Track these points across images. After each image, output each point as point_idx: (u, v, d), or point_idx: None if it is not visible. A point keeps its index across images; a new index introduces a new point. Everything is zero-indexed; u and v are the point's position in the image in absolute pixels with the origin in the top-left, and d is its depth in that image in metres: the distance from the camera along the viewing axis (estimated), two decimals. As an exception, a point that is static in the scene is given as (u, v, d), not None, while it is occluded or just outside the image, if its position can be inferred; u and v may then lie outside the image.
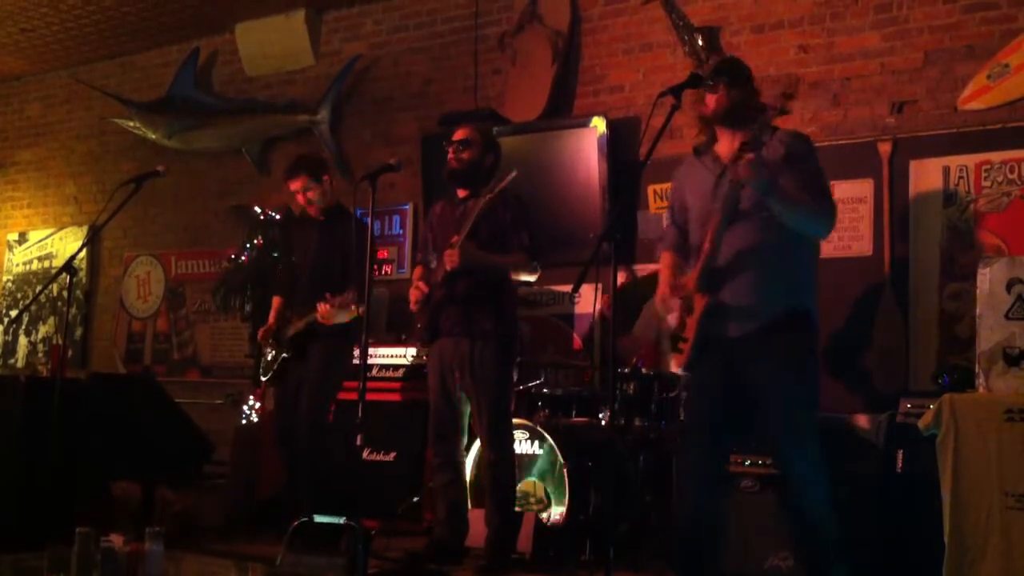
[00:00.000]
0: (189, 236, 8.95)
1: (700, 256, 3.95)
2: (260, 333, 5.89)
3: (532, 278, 5.18)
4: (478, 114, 7.00)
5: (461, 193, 5.18)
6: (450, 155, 5.17)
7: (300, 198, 5.77)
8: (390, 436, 6.21)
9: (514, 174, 4.89)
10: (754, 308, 3.90)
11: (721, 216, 3.88)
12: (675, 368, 4.37)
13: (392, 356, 6.47)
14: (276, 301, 5.91)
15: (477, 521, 5.08)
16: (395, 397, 6.35)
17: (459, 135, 5.19)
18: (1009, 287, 4.15)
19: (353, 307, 5.40)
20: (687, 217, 4.18)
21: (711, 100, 4.06)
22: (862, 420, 5.38)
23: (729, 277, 3.92)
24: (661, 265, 4.30)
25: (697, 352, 3.96)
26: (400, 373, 6.42)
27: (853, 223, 5.76)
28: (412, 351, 6.38)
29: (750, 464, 4.77)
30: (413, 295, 5.16)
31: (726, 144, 4.04)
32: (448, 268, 4.93)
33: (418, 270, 5.31)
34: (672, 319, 4.07)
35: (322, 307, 5.40)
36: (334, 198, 5.84)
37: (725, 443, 4.13)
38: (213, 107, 8.66)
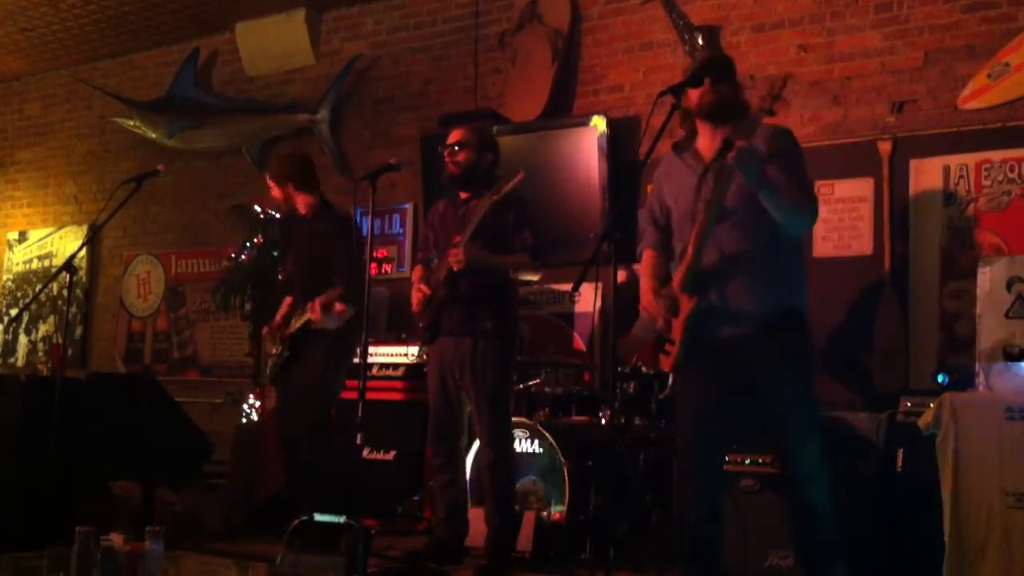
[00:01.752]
0: (189, 235, 8.95)
1: (685, 256, 3.90)
2: (265, 330, 5.88)
3: (535, 277, 5.17)
4: (478, 114, 7.00)
5: (463, 194, 5.18)
6: (446, 159, 5.15)
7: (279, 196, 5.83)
8: (390, 435, 6.21)
9: (520, 177, 4.87)
10: (746, 310, 3.86)
11: (706, 215, 3.84)
12: (665, 370, 4.34)
13: (392, 355, 6.47)
14: (287, 300, 5.89)
15: (477, 520, 5.08)
16: (395, 396, 6.35)
17: (453, 138, 5.17)
18: (1009, 286, 4.16)
19: (339, 307, 5.43)
20: (668, 217, 4.13)
21: (694, 95, 3.99)
22: (862, 419, 5.37)
23: (717, 278, 3.87)
24: (643, 267, 4.22)
25: (685, 354, 3.92)
26: (400, 372, 6.41)
27: (853, 222, 5.76)
28: (412, 350, 6.37)
29: (749, 463, 4.76)
30: (415, 297, 5.15)
31: (707, 141, 3.97)
32: (454, 268, 4.92)
33: (418, 270, 5.29)
34: (658, 322, 4.03)
35: (312, 313, 5.48)
36: (320, 196, 5.85)
37: (722, 444, 4.12)
38: (213, 107, 8.67)
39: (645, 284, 4.14)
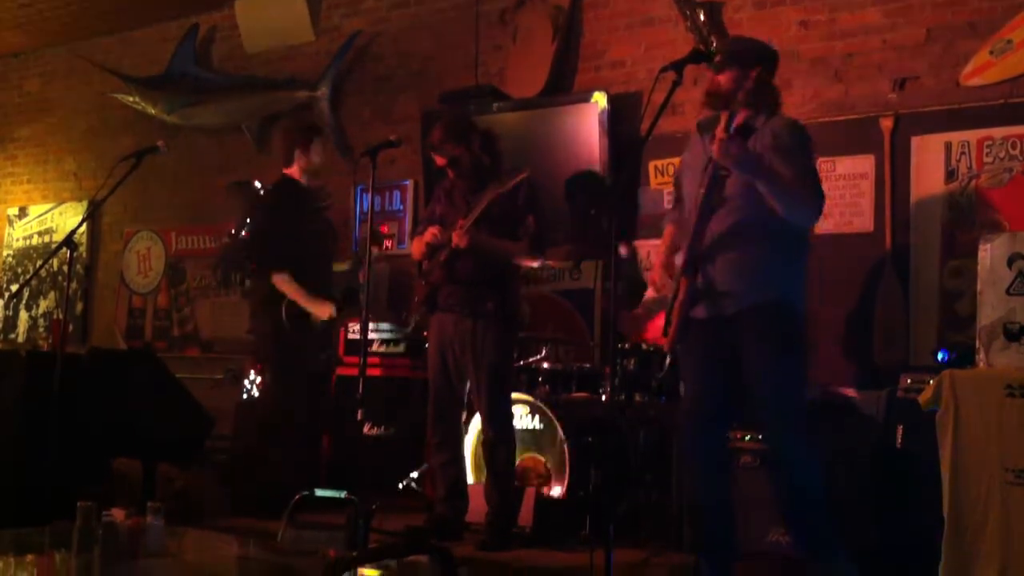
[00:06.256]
0: (189, 212, 8.94)
1: (687, 239, 3.95)
2: None
3: (534, 264, 5.19)
4: (478, 90, 6.98)
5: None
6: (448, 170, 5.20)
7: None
8: (390, 412, 6.22)
9: (524, 175, 4.89)
10: (728, 294, 3.89)
11: (702, 201, 3.88)
12: (665, 348, 4.37)
13: (392, 332, 6.47)
14: None
15: (477, 497, 5.09)
16: (396, 373, 6.36)
17: (438, 160, 5.21)
18: (1010, 263, 4.14)
19: None
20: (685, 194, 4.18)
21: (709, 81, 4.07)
22: (862, 396, 5.38)
23: (708, 262, 3.92)
24: (662, 241, 4.30)
25: (680, 335, 3.97)
26: (401, 349, 6.42)
27: (854, 199, 5.76)
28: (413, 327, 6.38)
29: (749, 439, 4.76)
30: (419, 243, 5.16)
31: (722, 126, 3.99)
32: (454, 245, 4.92)
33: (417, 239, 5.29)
34: (665, 296, 4.07)
35: None
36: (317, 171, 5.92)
37: (717, 423, 4.11)
38: (213, 83, 8.64)
39: (657, 262, 4.22)
